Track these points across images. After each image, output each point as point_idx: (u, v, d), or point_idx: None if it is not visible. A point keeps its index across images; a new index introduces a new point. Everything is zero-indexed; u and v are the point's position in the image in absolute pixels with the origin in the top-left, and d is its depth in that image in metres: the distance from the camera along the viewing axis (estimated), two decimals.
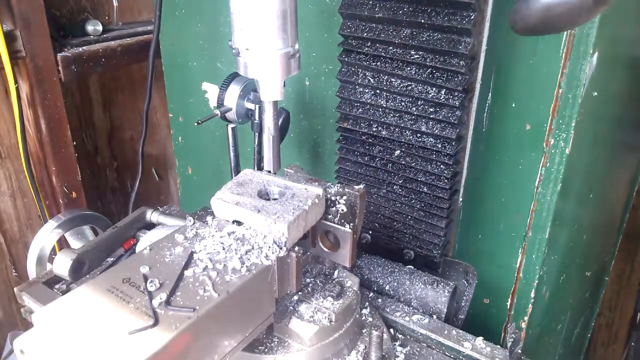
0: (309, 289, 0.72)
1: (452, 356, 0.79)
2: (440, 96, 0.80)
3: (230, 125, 1.02)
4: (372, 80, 0.86)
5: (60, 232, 1.14)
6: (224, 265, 0.59)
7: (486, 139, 0.93)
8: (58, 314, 0.51)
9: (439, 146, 0.83)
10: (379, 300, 0.87)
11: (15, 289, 0.93)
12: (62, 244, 1.12)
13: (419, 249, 0.94)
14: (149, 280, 0.55)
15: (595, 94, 0.87)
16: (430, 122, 0.83)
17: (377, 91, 0.86)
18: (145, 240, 0.97)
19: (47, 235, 1.11)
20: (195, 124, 1.06)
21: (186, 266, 0.58)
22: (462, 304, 0.93)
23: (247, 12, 0.58)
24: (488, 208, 0.99)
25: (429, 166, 0.86)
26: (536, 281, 0.99)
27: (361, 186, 0.74)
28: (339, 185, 0.74)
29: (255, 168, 0.93)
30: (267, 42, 0.60)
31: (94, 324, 0.50)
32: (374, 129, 0.88)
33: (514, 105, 0.90)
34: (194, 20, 1.28)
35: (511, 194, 0.96)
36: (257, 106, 0.97)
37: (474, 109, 0.86)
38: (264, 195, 0.69)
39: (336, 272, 0.77)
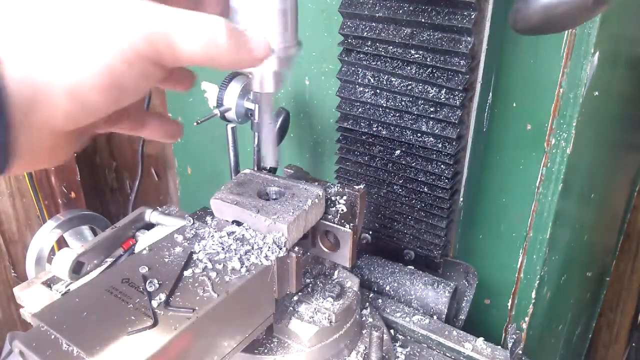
0: (309, 289, 0.72)
1: (452, 357, 0.79)
2: (441, 96, 0.80)
3: (230, 125, 1.01)
4: (372, 79, 0.85)
5: (59, 232, 1.13)
6: (224, 266, 0.58)
7: (487, 138, 0.93)
8: (57, 315, 0.50)
9: (440, 146, 0.83)
10: (379, 300, 0.87)
11: (14, 290, 0.93)
12: (61, 244, 1.11)
13: (419, 249, 0.94)
14: (148, 281, 0.54)
15: (597, 93, 0.87)
16: (431, 122, 0.83)
17: (377, 91, 0.86)
18: (145, 240, 0.97)
19: (46, 235, 1.11)
20: (195, 124, 1.06)
21: (185, 266, 0.58)
22: (463, 305, 0.93)
23: (247, 10, 0.58)
24: (488, 208, 0.99)
25: (430, 166, 0.86)
26: (537, 282, 0.99)
27: (361, 186, 0.74)
28: (339, 185, 0.74)
29: (255, 168, 0.93)
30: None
31: (93, 324, 0.50)
32: (374, 129, 0.88)
33: (514, 105, 0.90)
34: None
35: (512, 194, 0.96)
36: (257, 105, 0.96)
37: (474, 109, 0.85)
38: (263, 195, 0.69)
39: (336, 273, 0.76)
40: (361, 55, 0.85)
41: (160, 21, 0.43)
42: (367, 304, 0.82)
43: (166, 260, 0.59)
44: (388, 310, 0.84)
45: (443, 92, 0.80)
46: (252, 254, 0.60)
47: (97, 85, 0.42)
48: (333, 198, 0.72)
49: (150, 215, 1.03)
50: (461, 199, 0.93)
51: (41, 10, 0.42)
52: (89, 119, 0.44)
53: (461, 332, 0.80)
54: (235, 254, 0.60)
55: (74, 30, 0.41)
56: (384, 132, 0.87)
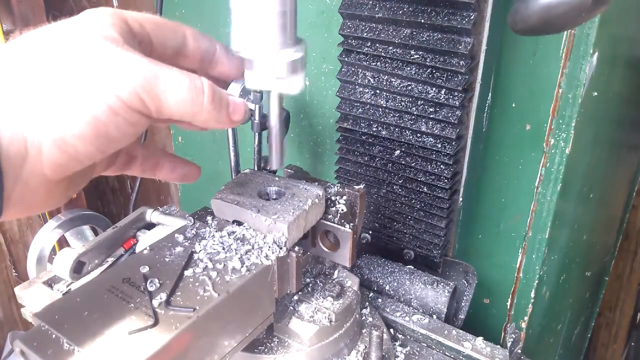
0: (309, 289, 0.72)
1: (452, 356, 0.79)
2: (440, 96, 0.80)
3: None
4: (372, 80, 0.86)
5: (60, 232, 1.14)
6: (224, 265, 0.59)
7: (486, 139, 0.93)
8: (58, 314, 0.51)
9: (439, 146, 0.83)
10: (379, 300, 0.87)
11: (15, 289, 0.93)
12: (62, 243, 1.12)
13: (419, 249, 0.94)
14: (149, 280, 0.55)
15: (595, 94, 0.87)
16: (430, 122, 0.83)
17: (377, 91, 0.86)
18: (145, 240, 0.97)
19: (47, 235, 1.11)
20: None
21: (186, 266, 0.58)
22: (462, 304, 0.93)
23: (247, 12, 0.58)
24: (488, 208, 0.99)
25: (429, 166, 0.86)
26: (536, 281, 0.99)
27: (361, 186, 0.74)
28: (339, 185, 0.74)
29: (256, 168, 0.93)
30: (266, 42, 0.60)
31: (94, 323, 0.50)
32: (374, 129, 0.88)
33: (514, 105, 0.90)
34: (194, 20, 1.28)
35: (511, 194, 0.96)
36: (257, 106, 0.97)
37: (473, 109, 0.86)
38: (263, 195, 0.70)
39: (336, 272, 0.77)
40: (361, 56, 0.86)
41: (148, 76, 0.44)
42: (367, 303, 0.83)
43: (167, 259, 0.59)
44: (388, 310, 0.85)
45: (442, 92, 0.80)
46: (253, 253, 0.61)
47: (83, 135, 0.43)
48: (333, 198, 0.72)
49: (151, 215, 1.03)
50: (460, 199, 0.93)
51: (30, 66, 0.43)
52: (76, 167, 0.46)
53: (460, 331, 0.81)
54: (236, 254, 0.60)
55: (61, 84, 0.42)
56: (383, 133, 0.87)
